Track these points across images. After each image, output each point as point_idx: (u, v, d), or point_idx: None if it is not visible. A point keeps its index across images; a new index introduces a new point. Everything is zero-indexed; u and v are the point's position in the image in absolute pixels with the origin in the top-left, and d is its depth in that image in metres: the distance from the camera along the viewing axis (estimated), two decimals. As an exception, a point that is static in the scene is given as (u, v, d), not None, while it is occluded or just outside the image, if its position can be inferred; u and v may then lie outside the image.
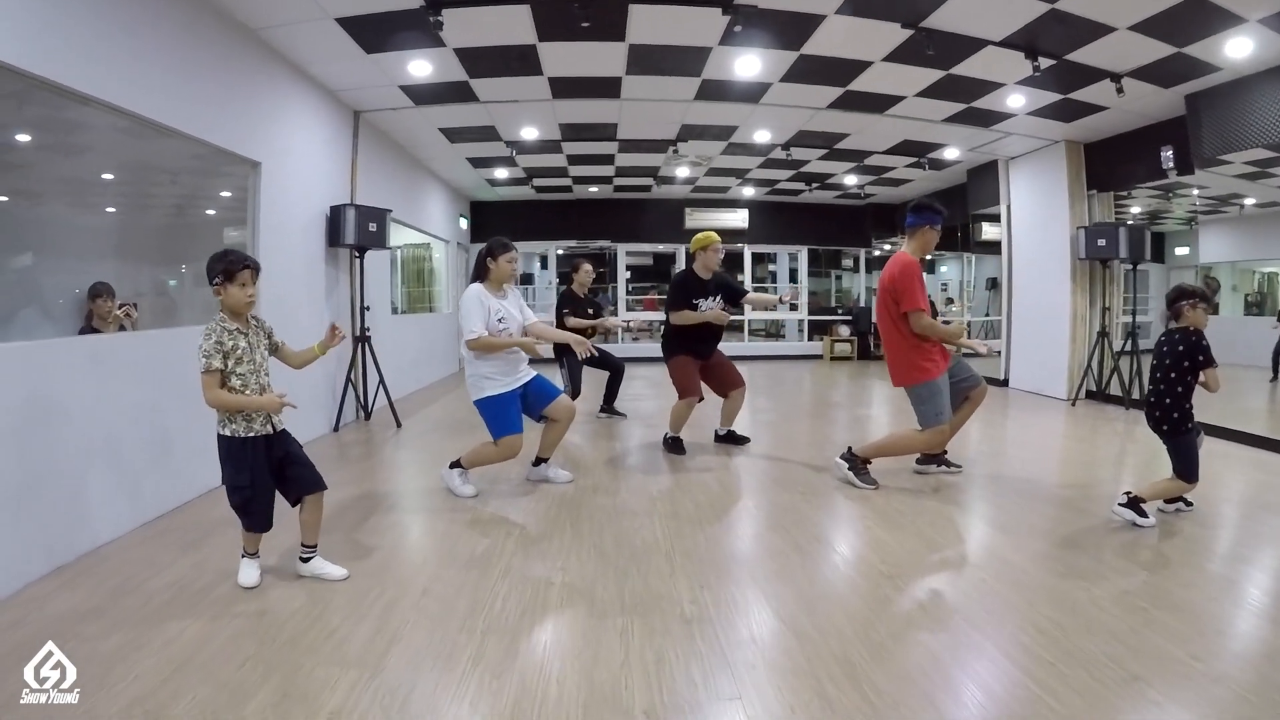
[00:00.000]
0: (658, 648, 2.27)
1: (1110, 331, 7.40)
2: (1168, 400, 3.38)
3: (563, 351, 6.22)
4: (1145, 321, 7.50)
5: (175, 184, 5.10)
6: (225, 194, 5.01)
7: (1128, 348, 7.07)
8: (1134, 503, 3.43)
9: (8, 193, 4.13)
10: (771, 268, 15.13)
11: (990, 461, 4.90)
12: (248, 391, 2.64)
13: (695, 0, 4.48)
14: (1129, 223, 7.59)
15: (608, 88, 6.14)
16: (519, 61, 5.50)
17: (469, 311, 3.76)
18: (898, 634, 2.36)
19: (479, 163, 9.16)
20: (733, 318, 5.12)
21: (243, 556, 2.80)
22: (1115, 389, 7.20)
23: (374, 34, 4.89)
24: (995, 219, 9.07)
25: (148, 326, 4.36)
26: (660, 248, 13.27)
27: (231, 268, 2.61)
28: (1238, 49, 4.85)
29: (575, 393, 6.06)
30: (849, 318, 13.05)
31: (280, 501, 2.80)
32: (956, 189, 10.12)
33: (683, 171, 9.99)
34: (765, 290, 15.23)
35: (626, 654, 2.24)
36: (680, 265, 10.88)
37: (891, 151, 8.53)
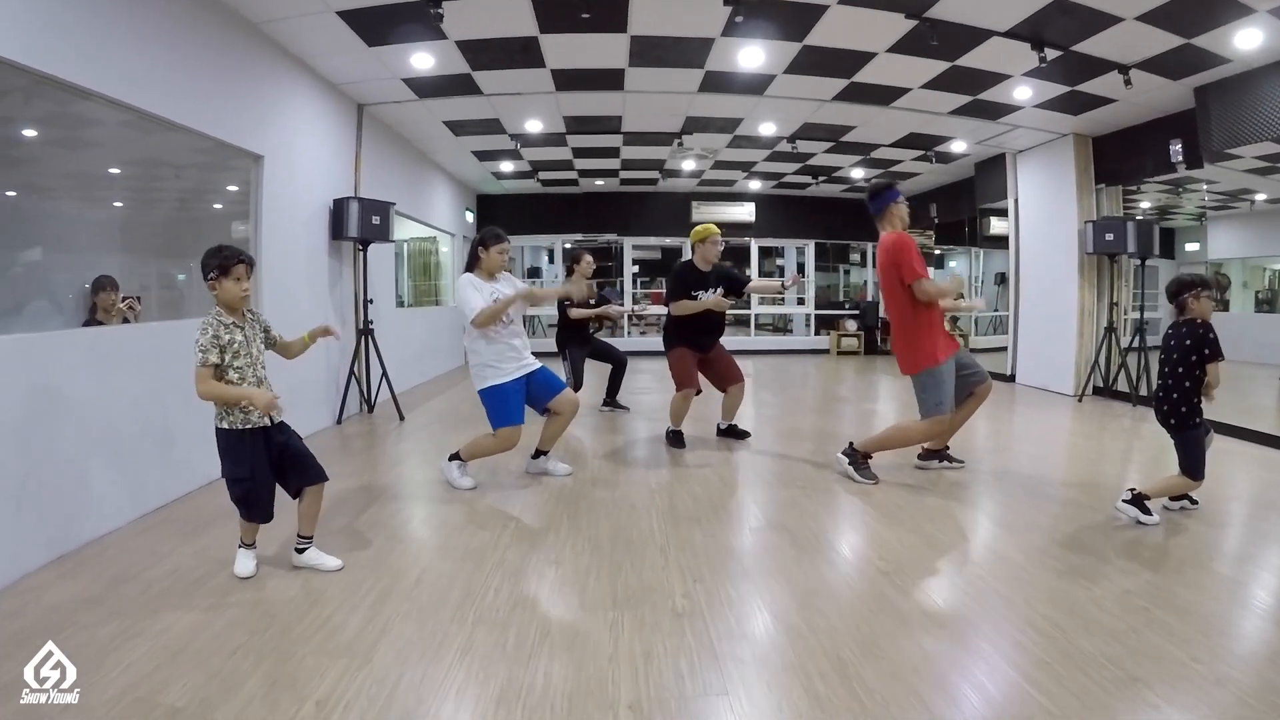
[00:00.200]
0: (647, 641, 2.27)
1: (1118, 327, 7.33)
2: (1175, 395, 3.32)
3: (565, 344, 6.23)
4: (1154, 318, 7.43)
5: (182, 178, 5.12)
6: (232, 188, 5.03)
7: (1135, 344, 7.00)
8: (1138, 500, 3.38)
9: (16, 187, 4.15)
10: (780, 262, 15.06)
11: (994, 458, 4.87)
12: (245, 385, 2.65)
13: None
14: (1137, 217, 7.51)
15: (611, 80, 6.12)
16: (521, 54, 5.48)
17: (467, 295, 3.79)
18: (891, 632, 2.33)
19: (484, 156, 9.15)
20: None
21: (240, 547, 2.82)
22: (1123, 385, 7.14)
23: (375, 27, 4.89)
24: (1003, 213, 9.00)
25: (157, 319, 4.40)
26: (667, 241, 13.25)
27: (227, 262, 2.63)
28: (1247, 40, 4.77)
29: (577, 385, 6.06)
30: (856, 312, 13.00)
31: (279, 492, 2.81)
32: (964, 183, 10.05)
33: (689, 165, 9.95)
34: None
35: (615, 647, 2.23)
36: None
37: (898, 145, 8.47)
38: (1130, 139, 7.15)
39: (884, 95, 6.46)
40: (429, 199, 9.24)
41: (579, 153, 9.18)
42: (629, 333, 12.86)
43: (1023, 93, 6.20)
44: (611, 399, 6.59)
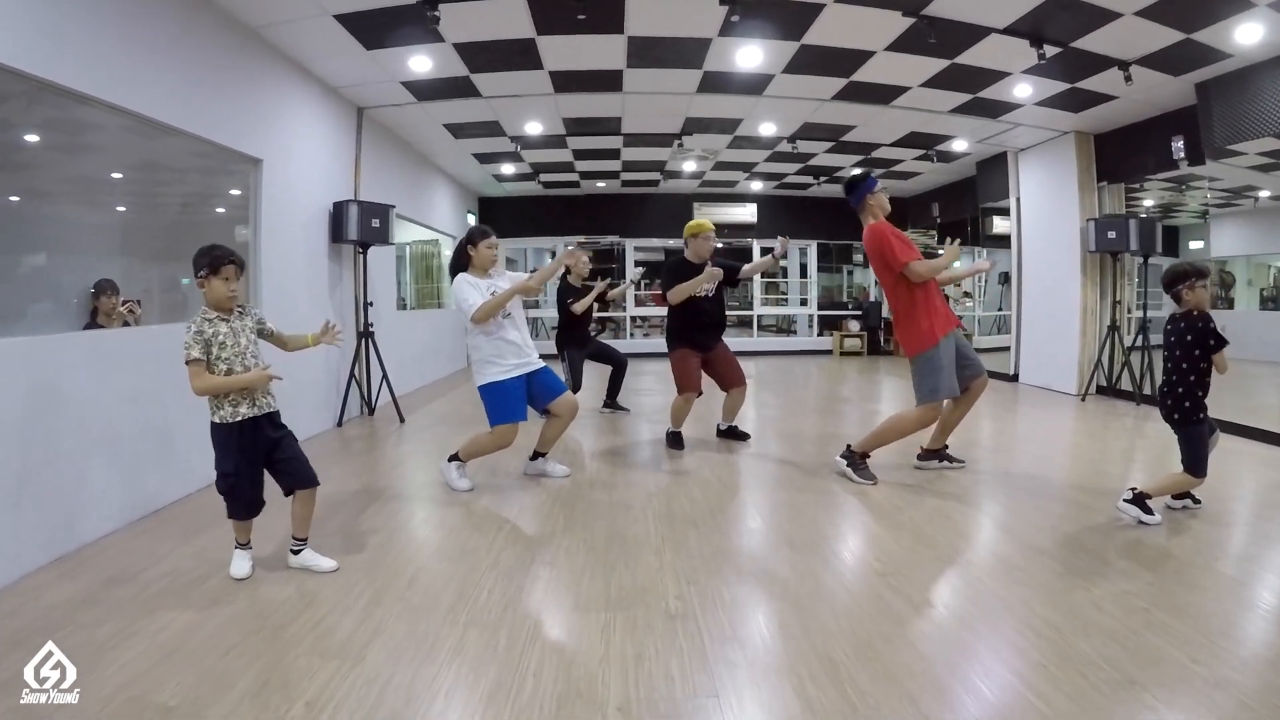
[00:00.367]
0: (639, 643, 2.25)
1: (1121, 326, 7.28)
2: (1180, 389, 3.27)
3: (564, 345, 6.23)
4: (1157, 316, 7.37)
5: (184, 182, 5.13)
6: (235, 192, 5.04)
7: (1139, 342, 6.96)
8: (1139, 499, 3.34)
9: (19, 192, 4.17)
10: (783, 263, 15.04)
11: (995, 457, 4.84)
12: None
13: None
14: (1140, 215, 7.46)
15: (609, 81, 6.11)
16: (519, 56, 5.49)
17: (464, 293, 3.80)
18: (886, 633, 2.31)
19: (485, 158, 9.16)
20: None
21: (235, 548, 2.83)
22: (1126, 384, 7.09)
23: (373, 30, 4.90)
24: (1005, 212, 8.96)
25: (160, 322, 4.43)
26: (670, 243, 13.23)
27: (216, 262, 2.65)
28: (1248, 35, 4.74)
29: (576, 386, 6.06)
30: (859, 313, 12.97)
31: (276, 495, 2.83)
32: (966, 182, 10.01)
33: (689, 166, 9.95)
34: (776, 286, 15.16)
35: (607, 649, 2.22)
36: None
37: (899, 144, 8.45)
38: (1132, 136, 7.11)
39: (883, 94, 6.44)
40: (430, 202, 9.25)
41: (579, 154, 9.18)
42: (631, 334, 12.85)
43: (1023, 90, 6.17)
44: (612, 400, 6.58)
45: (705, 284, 4.76)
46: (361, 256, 6.33)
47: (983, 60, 5.49)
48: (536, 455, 4.27)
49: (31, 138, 3.94)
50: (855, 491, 3.95)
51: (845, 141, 8.30)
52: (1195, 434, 3.27)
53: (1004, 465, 4.61)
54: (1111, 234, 6.96)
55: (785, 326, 14.85)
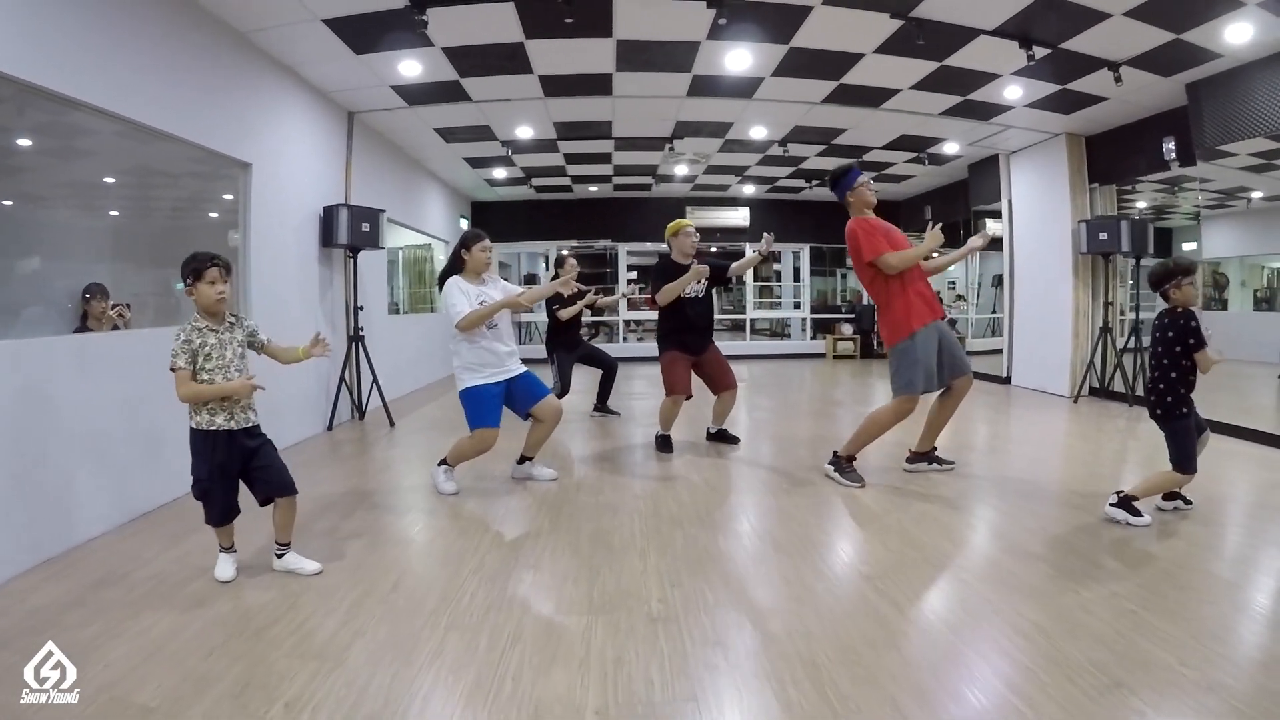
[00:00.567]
0: (619, 646, 2.23)
1: (1113, 327, 7.28)
2: (1162, 385, 3.27)
3: (553, 348, 6.22)
4: (1149, 317, 7.37)
5: (177, 187, 5.13)
6: (227, 196, 5.03)
7: (1131, 344, 6.95)
8: (1124, 502, 3.33)
9: (12, 197, 4.17)
10: (776, 266, 15.04)
11: (986, 459, 4.82)
12: None
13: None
14: (1133, 217, 7.47)
15: (599, 85, 6.11)
16: (508, 60, 5.48)
17: (453, 299, 3.80)
18: (870, 637, 2.28)
19: (477, 163, 9.16)
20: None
21: (220, 551, 2.84)
22: (1119, 386, 7.09)
23: (362, 34, 4.89)
24: (998, 215, 8.97)
25: (152, 326, 4.42)
26: (663, 247, 13.20)
27: (199, 267, 2.65)
28: (1237, 34, 4.74)
29: (564, 389, 6.05)
30: (852, 316, 12.97)
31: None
32: (958, 185, 10.03)
33: (681, 169, 9.95)
34: (770, 290, 15.18)
35: (587, 652, 2.20)
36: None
37: (890, 147, 8.45)
38: (1123, 138, 7.12)
39: (874, 97, 6.44)
40: (422, 206, 9.24)
41: (571, 159, 9.18)
42: (624, 338, 12.83)
43: (1013, 92, 6.18)
44: (602, 404, 6.57)
45: (692, 282, 4.73)
46: (352, 261, 6.31)
47: (972, 62, 5.49)
48: (523, 459, 4.26)
49: (24, 142, 3.93)
50: (844, 495, 3.93)
51: (836, 145, 8.30)
52: (1179, 429, 3.26)
53: (995, 467, 4.58)
54: (1103, 236, 6.97)
55: (778, 330, 14.85)
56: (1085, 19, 4.64)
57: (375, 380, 6.29)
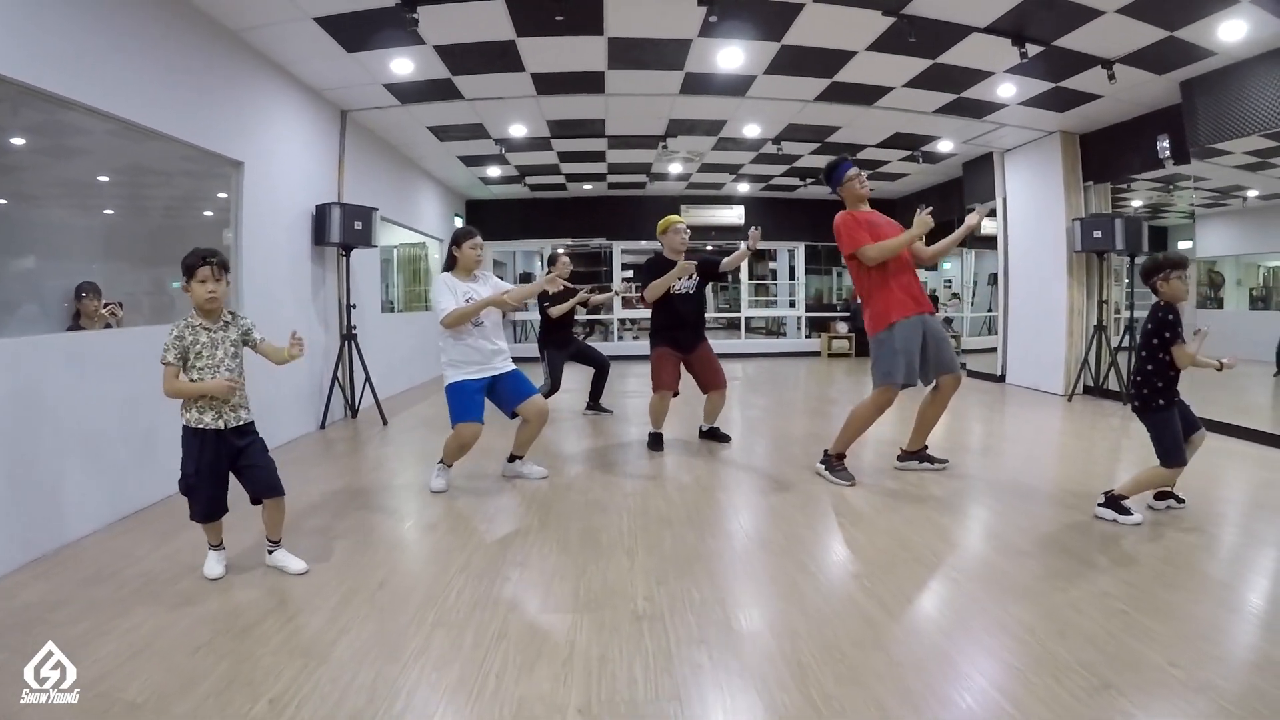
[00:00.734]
0: (604, 644, 2.22)
1: (1108, 326, 7.28)
2: (1139, 377, 3.30)
3: (545, 345, 6.22)
4: (1144, 315, 7.37)
5: (171, 186, 5.12)
6: (222, 195, 5.03)
7: (1125, 342, 6.95)
8: (1113, 501, 3.33)
9: (6, 195, 4.16)
10: (772, 265, 15.04)
11: (978, 458, 4.81)
12: None
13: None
14: (1127, 214, 7.47)
15: (591, 83, 6.10)
16: (500, 58, 5.46)
17: (439, 296, 3.83)
18: (857, 637, 2.26)
19: (470, 161, 9.14)
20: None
21: (209, 549, 2.84)
22: (1113, 384, 7.09)
23: (353, 32, 4.87)
24: (992, 213, 8.96)
25: (146, 325, 4.44)
26: (658, 245, 13.19)
27: (193, 264, 2.65)
28: (1231, 32, 4.72)
29: (554, 387, 6.05)
30: (847, 314, 12.97)
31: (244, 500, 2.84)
32: (953, 183, 10.02)
33: (675, 168, 9.93)
34: (765, 289, 15.18)
35: (571, 650, 2.19)
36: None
37: (884, 145, 8.44)
38: (1117, 136, 7.12)
39: (867, 95, 6.43)
40: (416, 204, 9.23)
41: (565, 157, 9.16)
42: (619, 337, 12.82)
43: (1006, 90, 6.17)
44: (595, 403, 6.56)
45: (679, 278, 4.71)
46: (345, 259, 6.29)
47: (965, 60, 5.48)
48: (513, 458, 4.26)
49: (18, 141, 3.92)
50: (834, 493, 3.91)
51: (830, 143, 8.29)
52: (1158, 420, 3.26)
53: (987, 466, 4.58)
54: (1097, 234, 6.97)
55: (774, 329, 14.84)
56: (1078, 16, 4.63)
57: (368, 378, 6.28)
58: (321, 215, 5.95)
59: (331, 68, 5.49)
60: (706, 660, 2.13)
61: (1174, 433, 3.23)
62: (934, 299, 4.12)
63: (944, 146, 8.45)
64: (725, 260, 4.94)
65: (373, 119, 6.98)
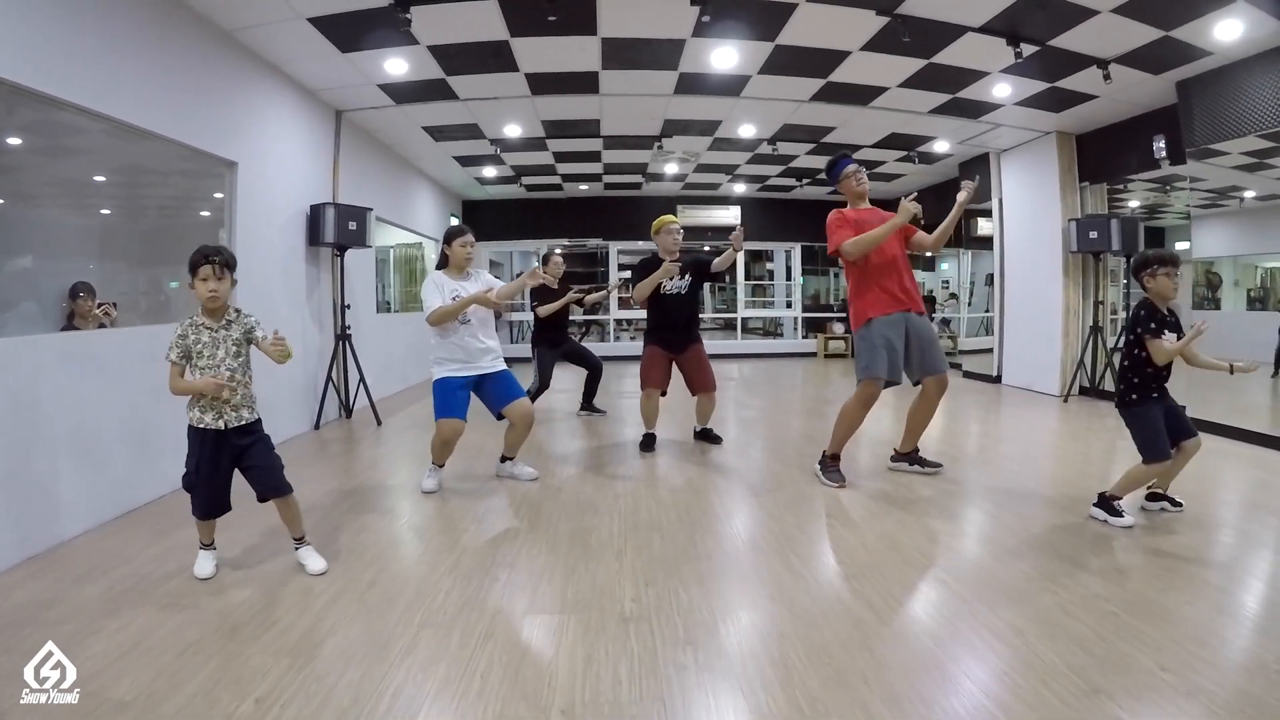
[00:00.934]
0: (590, 645, 2.22)
1: (1104, 326, 7.27)
2: (1119, 374, 3.34)
3: (536, 343, 6.22)
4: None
5: (167, 186, 5.11)
6: (219, 195, 5.02)
7: (1121, 344, 6.93)
8: (1104, 502, 3.32)
9: (2, 195, 4.15)
10: (769, 265, 15.02)
11: (972, 459, 4.80)
12: None
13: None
14: (1123, 215, 7.46)
15: (585, 83, 6.09)
16: (494, 58, 5.45)
17: (427, 293, 3.88)
18: (843, 639, 2.25)
19: (466, 161, 9.12)
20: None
21: (200, 548, 2.85)
22: (1109, 385, 7.08)
23: (347, 33, 4.87)
24: (988, 214, 8.96)
25: (142, 325, 4.44)
26: (654, 245, 13.18)
27: (195, 262, 2.67)
28: (1227, 31, 4.72)
29: (543, 385, 6.07)
30: (844, 315, 12.96)
31: (240, 499, 2.87)
32: (949, 184, 10.01)
33: (671, 168, 9.92)
34: (762, 289, 15.16)
35: (556, 651, 2.19)
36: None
37: (880, 145, 8.43)
38: (1113, 136, 7.12)
39: (862, 95, 6.43)
40: (412, 205, 9.22)
41: (560, 157, 9.15)
42: (617, 337, 12.81)
43: (1002, 90, 6.16)
44: (588, 404, 6.55)
45: (663, 279, 4.71)
46: (339, 259, 6.28)
47: (960, 60, 5.48)
48: (505, 458, 4.26)
49: (14, 141, 3.92)
50: (826, 495, 3.90)
51: (826, 143, 8.27)
52: (1134, 416, 3.26)
53: (982, 467, 4.56)
54: (1093, 234, 6.96)
55: (771, 329, 14.83)
56: (1073, 16, 4.62)
57: (362, 379, 6.27)
58: (316, 215, 5.95)
59: (326, 68, 5.48)
60: (692, 662, 2.12)
61: (1150, 427, 3.21)
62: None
63: (940, 147, 8.44)
64: (715, 261, 4.93)
65: (368, 119, 6.97)
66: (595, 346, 10.50)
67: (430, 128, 7.45)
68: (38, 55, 3.14)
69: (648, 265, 4.87)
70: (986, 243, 9.44)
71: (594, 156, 9.14)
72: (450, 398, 3.83)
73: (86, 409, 3.40)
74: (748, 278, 13.60)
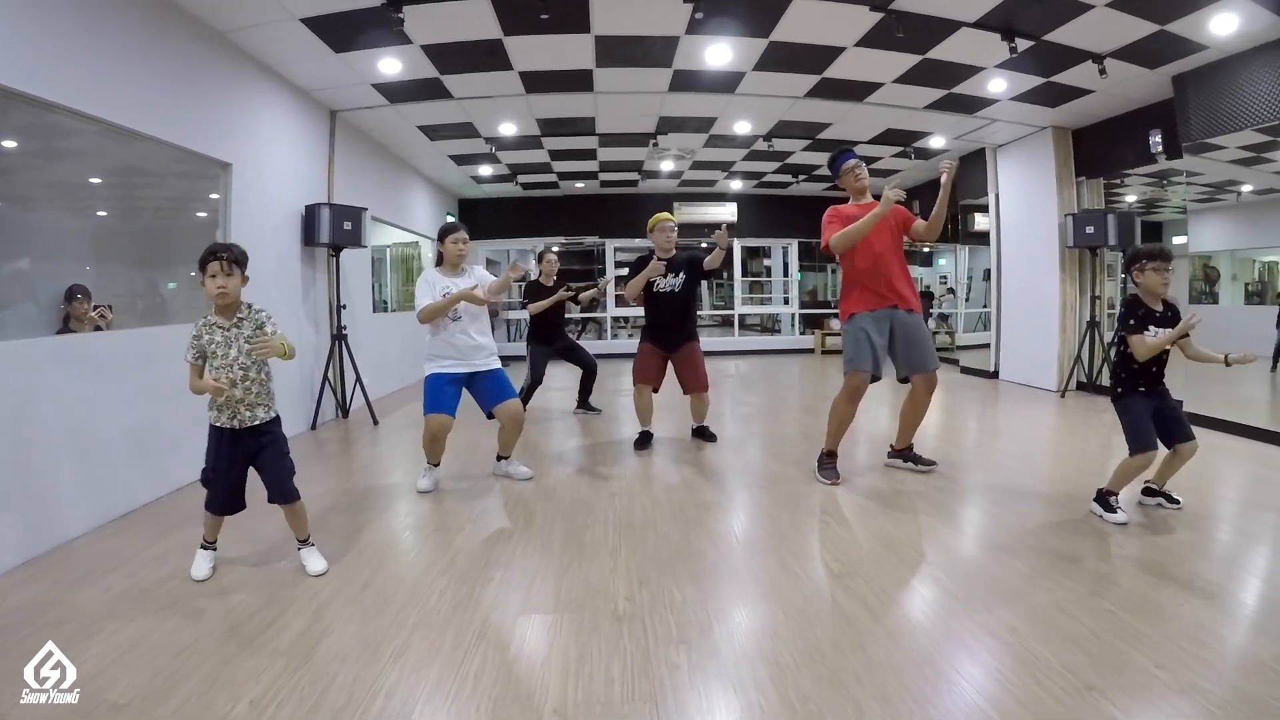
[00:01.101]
0: (583, 645, 2.22)
1: (1100, 321, 7.27)
2: (1110, 368, 3.36)
3: (530, 340, 6.25)
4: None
5: (163, 187, 5.10)
6: (214, 196, 5.02)
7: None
8: (1101, 497, 3.32)
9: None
10: (766, 262, 15.01)
11: (968, 455, 4.79)
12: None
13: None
14: (1120, 210, 7.46)
15: (580, 81, 6.07)
16: (487, 57, 5.44)
17: (419, 290, 3.91)
18: (836, 638, 2.25)
19: (462, 160, 9.10)
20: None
21: (199, 548, 2.86)
22: (1106, 380, 7.07)
23: (340, 33, 4.86)
24: (985, 209, 8.95)
25: (139, 327, 4.42)
26: (650, 243, 13.18)
27: (204, 259, 2.67)
28: (1223, 25, 4.71)
29: (535, 382, 6.08)
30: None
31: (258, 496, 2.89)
32: (946, 179, 9.99)
33: (667, 165, 9.91)
34: (759, 286, 15.16)
35: (549, 650, 2.19)
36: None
37: (876, 141, 8.40)
38: (1110, 131, 7.11)
39: (857, 91, 6.41)
40: (408, 204, 9.20)
41: (556, 155, 9.13)
42: (615, 335, 12.80)
43: (997, 85, 6.15)
44: (584, 402, 6.55)
45: (651, 277, 4.74)
46: (334, 259, 6.27)
47: (955, 55, 5.46)
48: (499, 458, 4.27)
49: (9, 144, 3.91)
50: (822, 492, 3.89)
51: (822, 139, 8.25)
52: (1121, 407, 3.32)
53: (978, 463, 4.55)
54: (1090, 229, 6.95)
55: (768, 325, 14.83)
56: (1067, 10, 4.62)
57: (359, 378, 6.26)
58: (311, 216, 5.94)
59: (319, 68, 5.47)
60: (684, 661, 2.12)
61: (1135, 420, 3.23)
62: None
63: (936, 142, 8.42)
64: (706, 260, 4.91)
65: (362, 119, 6.96)
66: (592, 344, 10.50)
67: (425, 127, 7.44)
68: (28, 58, 3.13)
69: (643, 262, 4.88)
70: (983, 238, 9.43)
71: (590, 154, 9.12)
72: (439, 393, 3.84)
73: (84, 411, 3.41)
74: (745, 274, 13.59)
